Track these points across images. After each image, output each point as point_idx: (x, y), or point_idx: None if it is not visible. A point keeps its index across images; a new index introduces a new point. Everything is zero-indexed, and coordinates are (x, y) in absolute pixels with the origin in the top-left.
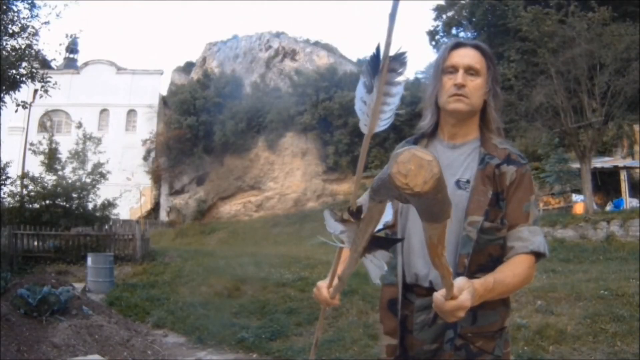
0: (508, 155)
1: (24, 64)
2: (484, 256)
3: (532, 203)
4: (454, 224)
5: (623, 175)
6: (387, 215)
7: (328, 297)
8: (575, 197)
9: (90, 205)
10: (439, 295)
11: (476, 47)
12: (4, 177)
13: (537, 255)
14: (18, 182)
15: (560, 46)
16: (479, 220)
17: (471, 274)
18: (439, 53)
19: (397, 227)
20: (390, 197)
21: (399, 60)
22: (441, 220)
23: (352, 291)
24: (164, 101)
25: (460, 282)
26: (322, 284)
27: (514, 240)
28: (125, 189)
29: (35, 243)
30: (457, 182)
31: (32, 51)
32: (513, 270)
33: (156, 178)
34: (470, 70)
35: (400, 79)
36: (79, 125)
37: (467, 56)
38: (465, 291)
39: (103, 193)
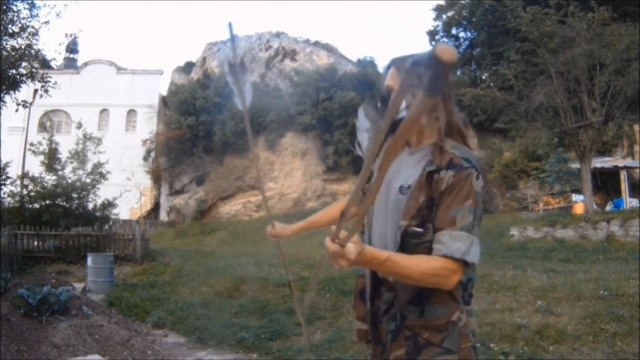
0: (450, 160)
1: (24, 64)
2: None
3: (465, 209)
4: (393, 227)
5: (623, 175)
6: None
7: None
8: (575, 197)
9: (90, 205)
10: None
11: (394, 65)
12: (4, 177)
13: (457, 261)
14: (18, 182)
15: (560, 46)
16: (404, 224)
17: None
18: None
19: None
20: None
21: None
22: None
23: (352, 291)
24: (164, 101)
25: (354, 236)
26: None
27: (435, 243)
28: (125, 189)
29: (35, 243)
30: (401, 188)
31: (32, 51)
32: (418, 262)
33: (156, 178)
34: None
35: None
36: (79, 125)
37: (388, 78)
38: (352, 245)
39: (103, 193)
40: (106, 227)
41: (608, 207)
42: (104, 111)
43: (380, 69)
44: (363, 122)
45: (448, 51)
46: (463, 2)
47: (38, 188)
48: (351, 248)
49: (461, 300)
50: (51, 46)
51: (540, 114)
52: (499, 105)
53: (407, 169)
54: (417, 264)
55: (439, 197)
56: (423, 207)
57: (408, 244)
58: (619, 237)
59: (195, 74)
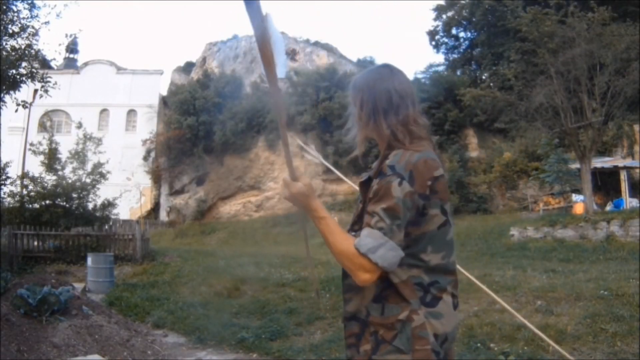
0: (380, 169)
1: (24, 64)
2: None
3: (381, 212)
4: None
5: (623, 175)
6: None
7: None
8: (575, 197)
9: (90, 205)
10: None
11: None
12: (4, 177)
13: (364, 257)
14: (18, 182)
15: (560, 46)
16: (347, 229)
17: (345, 273)
18: None
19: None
20: None
21: None
22: None
23: None
24: (164, 101)
25: (307, 180)
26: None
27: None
28: (125, 189)
29: (35, 243)
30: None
31: (32, 51)
32: (343, 240)
33: (156, 178)
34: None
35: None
36: (79, 125)
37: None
38: (302, 184)
39: (103, 193)
40: (106, 227)
41: (608, 207)
42: (104, 111)
43: None
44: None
45: None
46: (463, 2)
47: (38, 188)
48: (298, 184)
49: (416, 302)
50: (51, 46)
51: (540, 114)
52: (499, 105)
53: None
54: (341, 241)
55: (367, 203)
56: (361, 214)
57: None
58: (619, 237)
59: (195, 74)
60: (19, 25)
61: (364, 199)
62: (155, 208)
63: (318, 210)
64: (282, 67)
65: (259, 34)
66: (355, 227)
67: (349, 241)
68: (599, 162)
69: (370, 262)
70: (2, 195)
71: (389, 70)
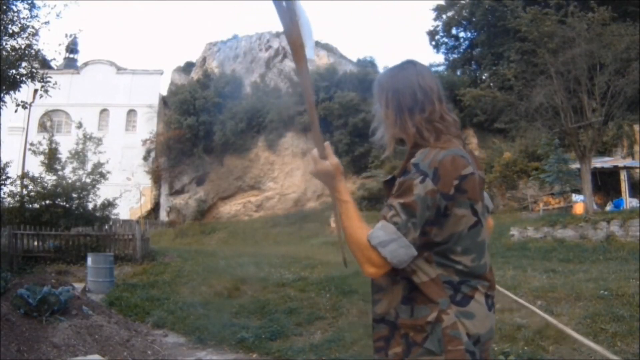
0: (405, 168)
1: (24, 64)
2: None
3: (399, 207)
4: None
5: (623, 175)
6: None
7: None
8: (575, 197)
9: (90, 205)
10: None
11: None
12: (4, 177)
13: (374, 249)
14: (18, 182)
15: (560, 46)
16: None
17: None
18: None
19: None
20: None
21: None
22: None
23: (352, 291)
24: (164, 101)
25: (335, 160)
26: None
27: None
28: (125, 189)
29: (35, 243)
30: None
31: (32, 51)
32: (359, 228)
33: (156, 178)
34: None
35: None
36: (79, 125)
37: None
38: (329, 163)
39: (103, 193)
40: (106, 227)
41: (608, 207)
42: (104, 111)
43: (381, 69)
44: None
45: None
46: (463, 2)
47: (38, 188)
48: (325, 162)
49: (445, 301)
50: (51, 46)
51: (540, 114)
52: (499, 105)
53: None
54: (356, 228)
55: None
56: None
57: None
58: (619, 237)
59: (195, 74)
60: (19, 25)
61: (387, 198)
62: (155, 208)
63: (341, 193)
64: (310, 49)
65: (287, 16)
66: None
67: (363, 231)
68: (599, 162)
69: (379, 256)
70: (2, 195)
71: (413, 66)
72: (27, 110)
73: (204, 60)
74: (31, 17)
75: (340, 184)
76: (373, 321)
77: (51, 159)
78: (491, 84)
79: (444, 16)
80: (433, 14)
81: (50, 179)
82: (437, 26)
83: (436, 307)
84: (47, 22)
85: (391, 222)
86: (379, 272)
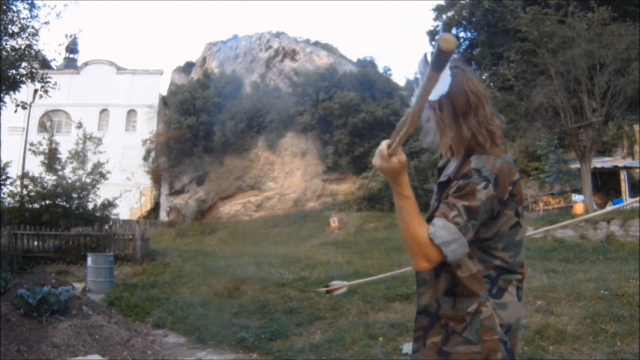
0: (465, 173)
1: (24, 64)
2: None
3: (461, 208)
4: None
5: (623, 175)
6: (443, 85)
7: (386, 150)
8: (575, 197)
9: (90, 205)
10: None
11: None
12: (4, 177)
13: (435, 247)
14: (18, 182)
15: (560, 46)
16: None
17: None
18: None
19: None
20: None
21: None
22: None
23: (352, 291)
24: (164, 101)
25: (403, 157)
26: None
27: (429, 225)
28: (125, 189)
29: (35, 243)
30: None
31: (32, 51)
32: (417, 224)
33: (156, 178)
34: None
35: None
36: (79, 125)
37: None
38: (397, 159)
39: (103, 193)
40: (106, 227)
41: (608, 207)
42: (104, 111)
43: (381, 69)
44: (421, 68)
45: (445, 40)
46: (463, 2)
47: (38, 188)
48: (393, 160)
49: (485, 294)
50: (51, 46)
51: (540, 114)
52: (498, 105)
53: (448, 170)
54: (416, 225)
55: (448, 197)
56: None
57: None
58: (619, 237)
59: (195, 74)
60: (19, 25)
61: (439, 199)
62: (155, 208)
63: (404, 188)
64: (435, 93)
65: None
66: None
67: (423, 227)
68: (599, 162)
69: (439, 254)
70: (2, 195)
71: (461, 71)
72: (27, 110)
73: (204, 60)
74: (31, 17)
75: (404, 180)
76: (417, 312)
77: (51, 159)
78: (491, 84)
79: (444, 16)
80: (433, 14)
81: (50, 179)
82: (437, 26)
83: (477, 299)
84: (47, 22)
85: (452, 222)
86: (430, 267)
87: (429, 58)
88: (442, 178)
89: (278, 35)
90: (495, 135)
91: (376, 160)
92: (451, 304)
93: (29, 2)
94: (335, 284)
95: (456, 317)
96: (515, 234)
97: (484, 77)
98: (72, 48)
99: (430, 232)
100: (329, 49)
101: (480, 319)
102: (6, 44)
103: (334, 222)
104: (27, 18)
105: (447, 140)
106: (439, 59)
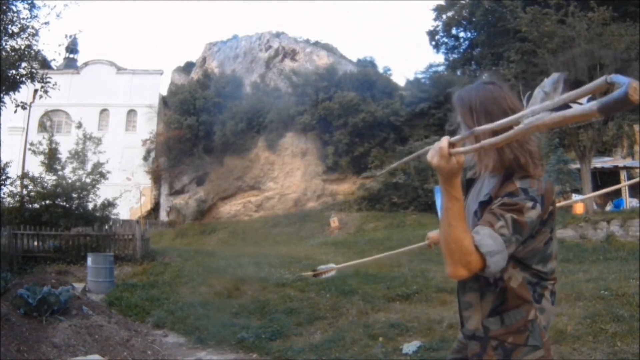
0: (510, 191)
1: (24, 64)
2: None
3: (509, 220)
4: None
5: (623, 175)
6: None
7: (447, 149)
8: (575, 197)
9: (90, 205)
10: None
11: (458, 101)
12: (4, 177)
13: (479, 255)
14: (18, 182)
15: (560, 46)
16: None
17: (463, 289)
18: None
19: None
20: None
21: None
22: None
23: (352, 291)
24: (164, 101)
25: (463, 158)
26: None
27: (473, 232)
28: (125, 189)
29: (35, 243)
30: (475, 212)
31: (32, 51)
32: (461, 230)
33: (156, 178)
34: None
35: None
36: (79, 125)
37: (457, 113)
38: (455, 159)
39: (103, 193)
40: (106, 227)
41: (608, 207)
42: (104, 111)
43: (381, 69)
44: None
45: (636, 90)
46: (463, 2)
47: (38, 188)
48: (452, 160)
49: (533, 300)
50: (51, 46)
51: None
52: None
53: (485, 189)
54: (461, 231)
55: (494, 207)
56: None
57: None
58: (619, 237)
59: (195, 74)
60: (19, 25)
61: (494, 196)
62: (155, 208)
63: (456, 190)
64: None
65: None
66: None
67: (468, 234)
68: (599, 162)
69: (481, 263)
70: (2, 195)
71: (499, 88)
72: (27, 110)
73: (204, 60)
74: (31, 17)
75: (457, 182)
76: (465, 337)
77: (51, 159)
78: None
79: (444, 16)
80: (433, 14)
81: (50, 179)
82: (437, 26)
83: (530, 305)
84: (47, 23)
85: (498, 233)
86: (468, 276)
87: (588, 89)
88: (482, 197)
89: (278, 35)
90: (534, 155)
91: (433, 158)
92: (499, 323)
93: (29, 2)
94: (322, 268)
95: (513, 331)
96: (549, 248)
97: (484, 77)
98: (72, 48)
99: (476, 239)
100: (329, 49)
101: (537, 323)
102: (6, 44)
103: (334, 222)
104: (27, 18)
105: (489, 160)
106: (615, 106)
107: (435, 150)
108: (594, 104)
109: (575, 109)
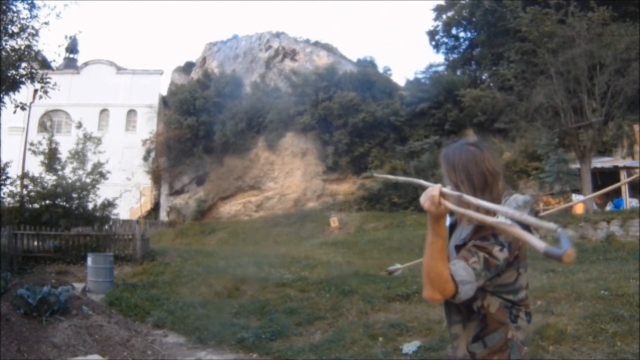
0: (482, 236)
1: (24, 64)
2: None
3: (481, 257)
4: None
5: (623, 176)
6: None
7: (438, 198)
8: (575, 197)
9: (90, 205)
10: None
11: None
12: (4, 177)
13: (453, 283)
14: (18, 182)
15: (560, 46)
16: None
17: (451, 323)
18: None
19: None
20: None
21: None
22: None
23: (352, 291)
24: (164, 101)
25: (450, 204)
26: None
27: (450, 264)
28: (125, 189)
29: (35, 243)
30: (455, 247)
31: (32, 51)
32: (441, 263)
33: (156, 178)
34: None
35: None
36: (79, 125)
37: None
38: (444, 206)
39: (103, 193)
40: (106, 227)
41: (608, 207)
42: (104, 111)
43: (381, 69)
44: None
45: (570, 257)
46: (463, 2)
47: (38, 188)
48: (441, 208)
49: (509, 321)
50: (51, 46)
51: (540, 114)
52: (499, 105)
53: (463, 234)
54: (441, 263)
55: (470, 244)
56: (461, 248)
57: None
58: (619, 237)
59: (195, 74)
60: (19, 25)
61: (469, 241)
62: (155, 208)
63: (442, 228)
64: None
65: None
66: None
67: (446, 265)
68: (599, 162)
69: (455, 290)
70: (2, 195)
71: (480, 151)
72: (27, 111)
73: (204, 60)
74: (31, 17)
75: (444, 222)
76: None
77: (51, 159)
78: (491, 84)
79: (444, 16)
80: (433, 14)
81: (50, 179)
82: (437, 26)
83: (507, 326)
84: (47, 23)
85: (471, 267)
86: (440, 300)
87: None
88: (458, 242)
89: (278, 35)
90: None
91: (425, 202)
92: (482, 347)
93: (29, 2)
94: (391, 268)
95: (496, 351)
96: (517, 282)
97: (484, 77)
98: (72, 48)
99: (452, 269)
100: (329, 49)
101: (515, 341)
102: (6, 44)
103: (334, 222)
104: (27, 18)
105: (466, 215)
106: (553, 258)
107: (428, 197)
108: (543, 246)
109: (531, 237)
